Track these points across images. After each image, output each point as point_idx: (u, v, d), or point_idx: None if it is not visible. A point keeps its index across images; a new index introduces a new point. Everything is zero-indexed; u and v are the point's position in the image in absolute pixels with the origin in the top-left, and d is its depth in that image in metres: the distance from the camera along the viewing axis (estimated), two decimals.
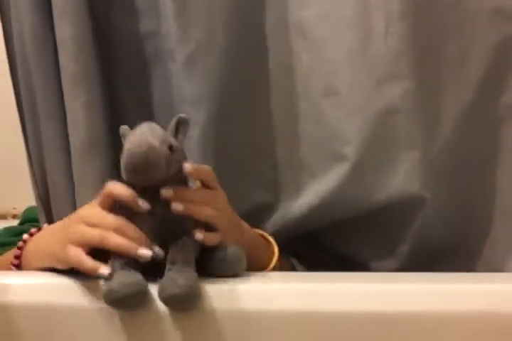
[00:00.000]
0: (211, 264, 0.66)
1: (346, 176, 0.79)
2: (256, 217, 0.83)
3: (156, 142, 0.63)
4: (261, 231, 0.80)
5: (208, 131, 0.81)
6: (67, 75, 0.80)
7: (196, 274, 0.63)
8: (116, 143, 0.83)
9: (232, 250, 0.67)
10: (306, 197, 0.82)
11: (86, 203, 0.74)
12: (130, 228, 0.64)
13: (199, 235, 0.65)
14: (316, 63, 0.80)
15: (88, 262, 0.63)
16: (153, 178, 0.63)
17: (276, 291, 0.64)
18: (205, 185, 0.69)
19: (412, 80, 0.77)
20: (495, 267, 0.80)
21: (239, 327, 0.63)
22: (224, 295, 0.63)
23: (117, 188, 0.66)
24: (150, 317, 0.63)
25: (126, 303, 0.62)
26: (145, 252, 0.62)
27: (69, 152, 0.82)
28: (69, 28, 0.79)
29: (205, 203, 0.68)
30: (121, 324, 0.64)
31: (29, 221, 1.22)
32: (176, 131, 0.67)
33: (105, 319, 0.64)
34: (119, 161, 0.82)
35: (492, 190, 0.81)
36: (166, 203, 0.66)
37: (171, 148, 0.64)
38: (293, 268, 0.85)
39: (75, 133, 0.81)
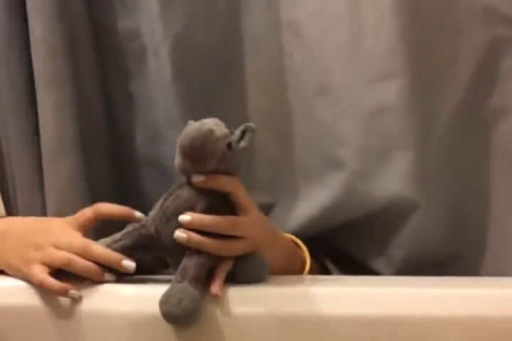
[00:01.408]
0: (236, 272, 0.65)
1: (343, 185, 0.78)
2: None
3: (218, 132, 0.61)
4: (291, 236, 0.78)
5: None
6: (38, 76, 0.81)
7: (200, 295, 0.61)
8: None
9: (256, 258, 0.66)
10: (303, 208, 0.81)
11: (55, 203, 0.79)
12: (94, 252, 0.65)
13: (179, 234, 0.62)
14: (308, 61, 0.80)
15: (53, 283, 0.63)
16: (202, 164, 0.61)
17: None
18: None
19: (405, 78, 0.76)
20: (493, 274, 0.80)
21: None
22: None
23: (107, 205, 0.67)
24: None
25: None
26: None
27: (37, 152, 0.82)
28: (41, 29, 0.80)
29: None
30: (107, 325, 0.63)
31: None
32: (241, 137, 0.64)
33: (95, 321, 0.63)
34: (89, 162, 0.82)
35: (485, 193, 0.81)
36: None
37: (229, 145, 0.62)
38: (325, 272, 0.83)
39: (44, 132, 0.81)
